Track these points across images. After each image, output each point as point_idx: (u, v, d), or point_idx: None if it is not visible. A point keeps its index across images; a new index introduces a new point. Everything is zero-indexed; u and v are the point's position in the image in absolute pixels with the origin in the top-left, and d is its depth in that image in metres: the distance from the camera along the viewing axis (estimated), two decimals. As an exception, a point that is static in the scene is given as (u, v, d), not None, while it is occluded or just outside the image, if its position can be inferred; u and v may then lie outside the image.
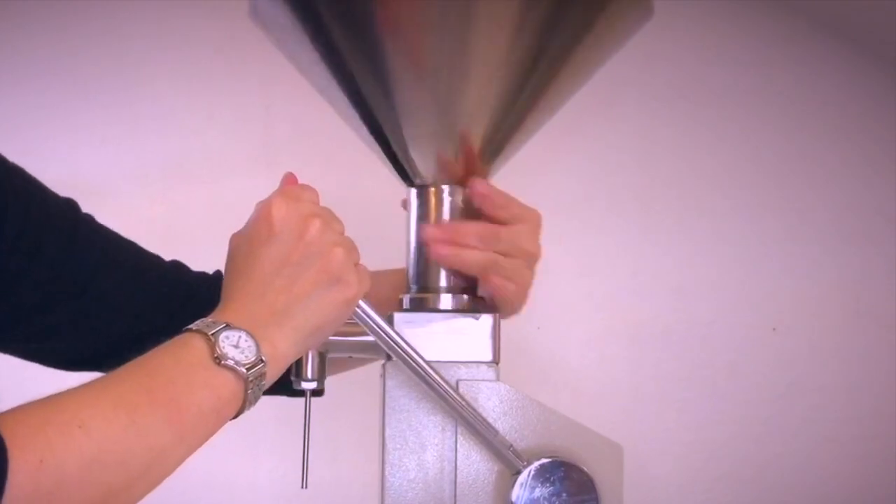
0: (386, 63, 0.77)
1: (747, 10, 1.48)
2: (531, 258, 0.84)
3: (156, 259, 0.93)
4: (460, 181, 0.84)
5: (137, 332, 0.87)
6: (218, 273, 0.94)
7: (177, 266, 0.94)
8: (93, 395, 0.61)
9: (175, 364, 0.65)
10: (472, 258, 0.81)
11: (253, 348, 0.66)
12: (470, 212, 0.85)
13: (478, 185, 0.82)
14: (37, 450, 0.56)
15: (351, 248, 0.73)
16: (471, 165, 0.83)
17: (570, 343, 1.47)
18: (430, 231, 0.82)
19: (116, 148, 1.46)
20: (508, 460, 0.80)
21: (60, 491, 0.56)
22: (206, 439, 0.66)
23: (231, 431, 0.69)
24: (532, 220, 0.84)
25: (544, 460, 0.79)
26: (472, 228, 0.82)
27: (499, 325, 0.83)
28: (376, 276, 0.80)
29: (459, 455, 0.81)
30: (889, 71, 1.46)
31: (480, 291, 0.84)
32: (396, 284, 0.87)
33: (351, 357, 0.88)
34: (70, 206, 0.87)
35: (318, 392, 0.84)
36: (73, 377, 0.83)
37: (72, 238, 0.85)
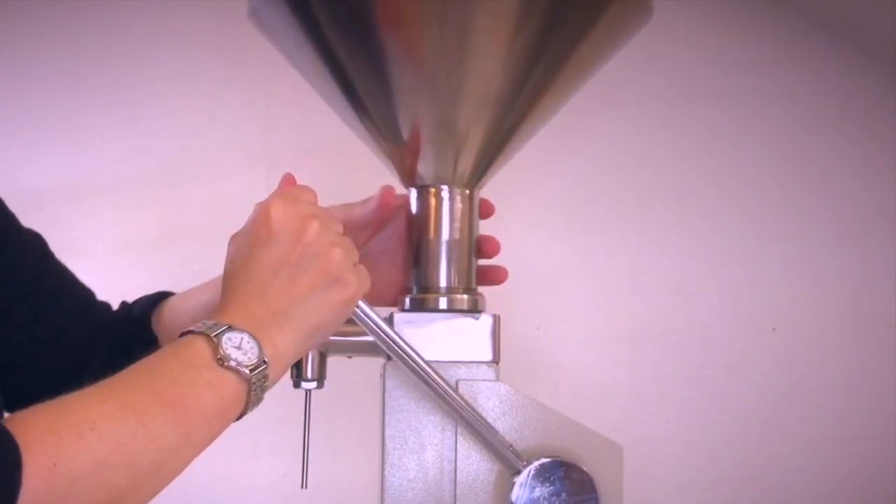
0: (385, 64, 0.77)
1: (747, 10, 1.48)
2: None
3: (92, 297, 0.95)
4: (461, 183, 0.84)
5: (70, 365, 0.89)
6: (124, 306, 0.96)
7: (106, 306, 0.97)
8: (101, 397, 0.61)
9: (179, 365, 0.65)
10: None
11: (255, 350, 0.66)
12: (469, 213, 0.85)
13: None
14: (49, 453, 0.56)
15: (349, 248, 0.73)
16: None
17: (570, 343, 1.47)
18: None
19: (116, 148, 1.46)
20: (508, 460, 0.80)
21: (72, 494, 0.56)
22: (211, 441, 0.66)
23: (232, 431, 0.69)
24: None
25: (544, 460, 0.79)
26: None
27: (499, 325, 0.83)
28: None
29: (459, 455, 0.81)
30: (889, 71, 1.47)
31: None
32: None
33: (350, 357, 0.88)
34: (40, 239, 0.90)
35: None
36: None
37: (41, 269, 0.87)
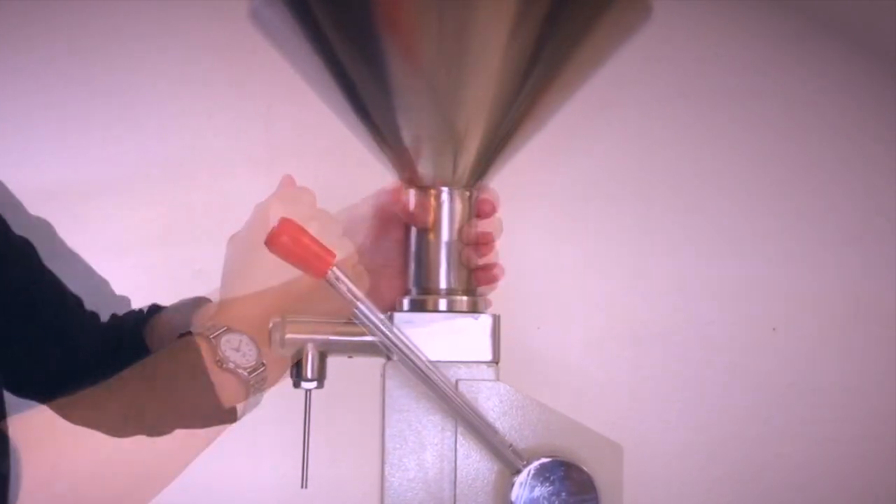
0: (384, 65, 0.77)
1: (747, 10, 1.48)
2: None
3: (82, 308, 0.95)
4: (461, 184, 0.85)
5: (72, 368, 0.88)
6: (142, 312, 0.95)
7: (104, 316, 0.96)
8: (100, 399, 0.61)
9: (177, 367, 0.65)
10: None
11: (254, 352, 0.67)
12: (469, 214, 0.85)
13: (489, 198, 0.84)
14: (49, 456, 0.56)
15: (349, 250, 0.74)
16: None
17: (570, 343, 1.47)
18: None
19: (117, 148, 1.46)
20: (508, 460, 0.80)
21: (72, 496, 0.57)
22: (210, 442, 0.66)
23: (231, 431, 0.69)
24: None
25: (544, 460, 0.79)
26: (493, 226, 0.85)
27: (499, 325, 0.83)
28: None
29: (459, 455, 0.81)
30: (889, 71, 1.47)
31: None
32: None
33: (351, 357, 0.88)
34: (28, 242, 0.89)
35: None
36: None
37: (32, 268, 0.87)
